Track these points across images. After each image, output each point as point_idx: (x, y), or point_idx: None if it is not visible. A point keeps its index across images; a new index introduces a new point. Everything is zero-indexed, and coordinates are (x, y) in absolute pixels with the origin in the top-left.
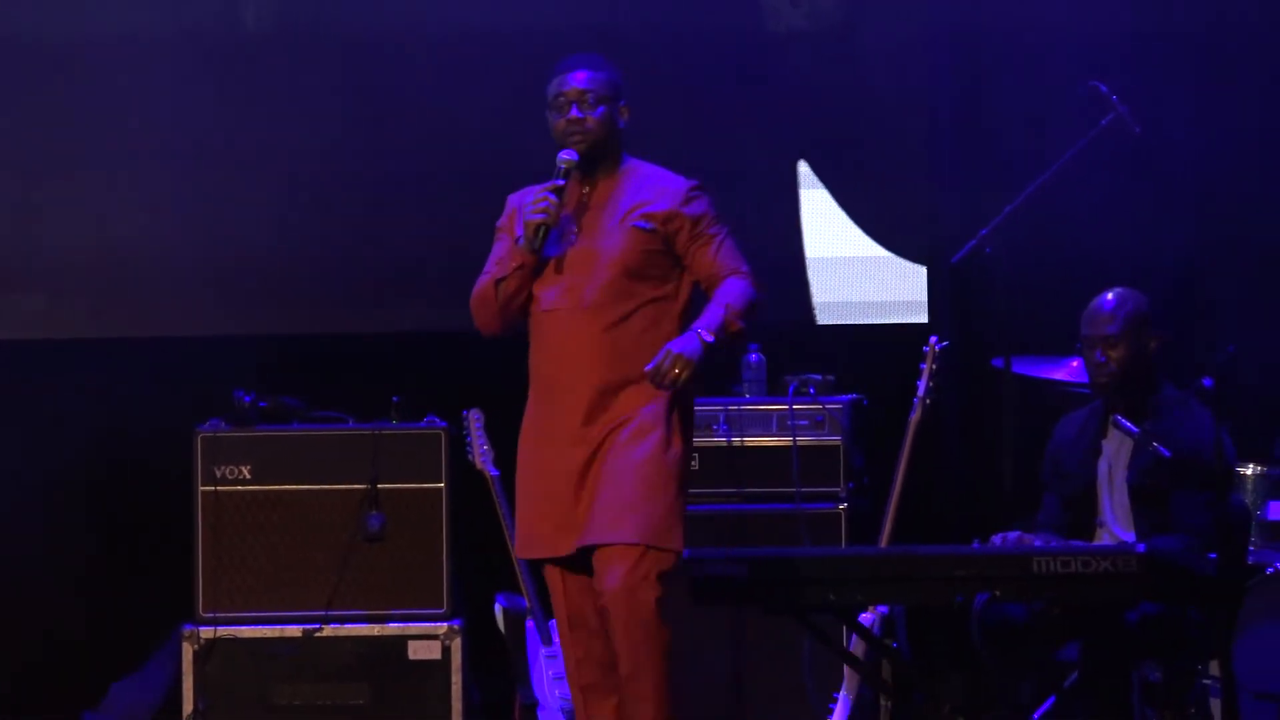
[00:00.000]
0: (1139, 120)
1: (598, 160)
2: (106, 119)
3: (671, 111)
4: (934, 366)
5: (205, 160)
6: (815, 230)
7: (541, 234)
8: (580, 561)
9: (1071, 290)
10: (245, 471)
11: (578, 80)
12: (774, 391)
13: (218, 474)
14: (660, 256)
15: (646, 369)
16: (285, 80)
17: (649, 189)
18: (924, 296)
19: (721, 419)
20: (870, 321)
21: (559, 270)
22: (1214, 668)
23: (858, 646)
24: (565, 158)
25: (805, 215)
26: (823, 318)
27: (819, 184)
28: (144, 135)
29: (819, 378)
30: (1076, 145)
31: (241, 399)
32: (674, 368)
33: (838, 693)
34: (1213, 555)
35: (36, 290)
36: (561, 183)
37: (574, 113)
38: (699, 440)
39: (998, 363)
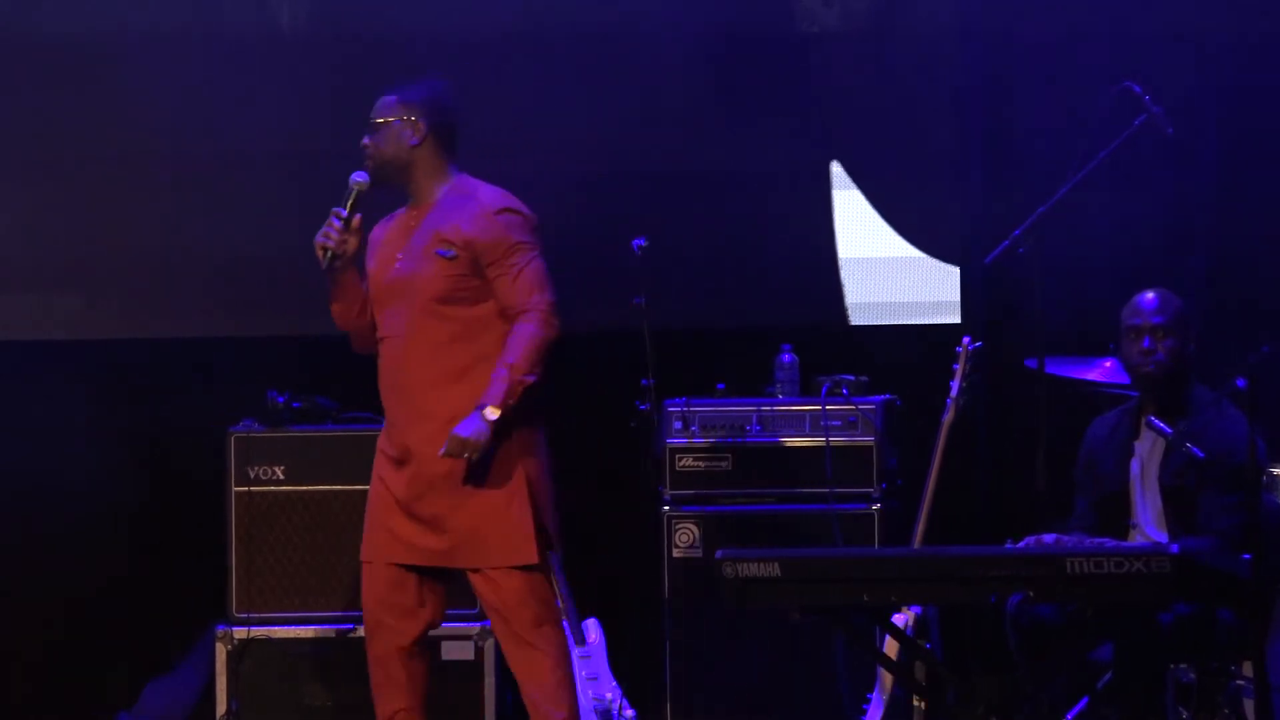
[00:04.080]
0: (1171, 121)
1: (402, 182)
2: (141, 120)
3: (703, 113)
4: (967, 367)
5: (239, 160)
6: (848, 231)
7: (328, 258)
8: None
9: (1105, 291)
10: (278, 472)
11: (374, 107)
12: (807, 392)
13: (251, 474)
14: (467, 279)
15: (440, 453)
16: (319, 80)
17: (459, 212)
18: (957, 297)
19: (754, 419)
20: (903, 322)
21: (387, 297)
22: (1247, 668)
23: (891, 647)
24: (354, 180)
25: (838, 216)
26: (855, 318)
27: (852, 184)
28: (180, 136)
29: (852, 378)
30: (1109, 146)
31: (275, 399)
32: (461, 451)
33: (871, 693)
34: (1246, 556)
35: (73, 291)
36: (343, 210)
37: (365, 139)
38: (733, 440)
39: (1031, 363)
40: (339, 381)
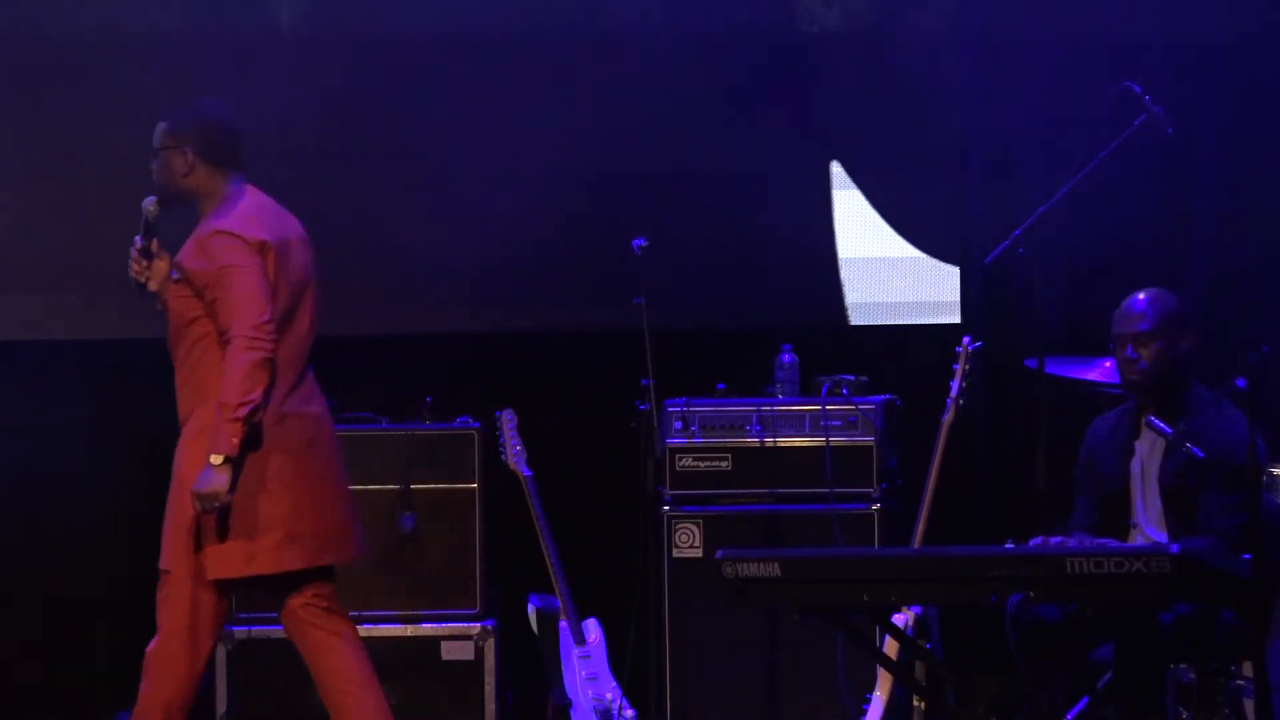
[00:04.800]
0: (1171, 121)
1: (186, 204)
2: (141, 120)
3: (703, 113)
4: (967, 367)
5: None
6: (848, 231)
7: (136, 288)
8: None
9: (1105, 291)
10: None
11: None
12: (807, 392)
13: None
14: (192, 300)
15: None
16: (319, 80)
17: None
18: (957, 297)
19: (754, 419)
20: (903, 322)
21: None
22: (1247, 668)
23: (891, 647)
24: (144, 205)
25: (838, 216)
26: (855, 318)
27: (852, 184)
28: None
29: (852, 378)
30: (1109, 146)
31: None
32: (204, 505)
33: (871, 693)
34: (1246, 556)
35: (73, 291)
36: (139, 240)
37: (152, 163)
38: (733, 440)
39: (1031, 363)
40: (339, 381)
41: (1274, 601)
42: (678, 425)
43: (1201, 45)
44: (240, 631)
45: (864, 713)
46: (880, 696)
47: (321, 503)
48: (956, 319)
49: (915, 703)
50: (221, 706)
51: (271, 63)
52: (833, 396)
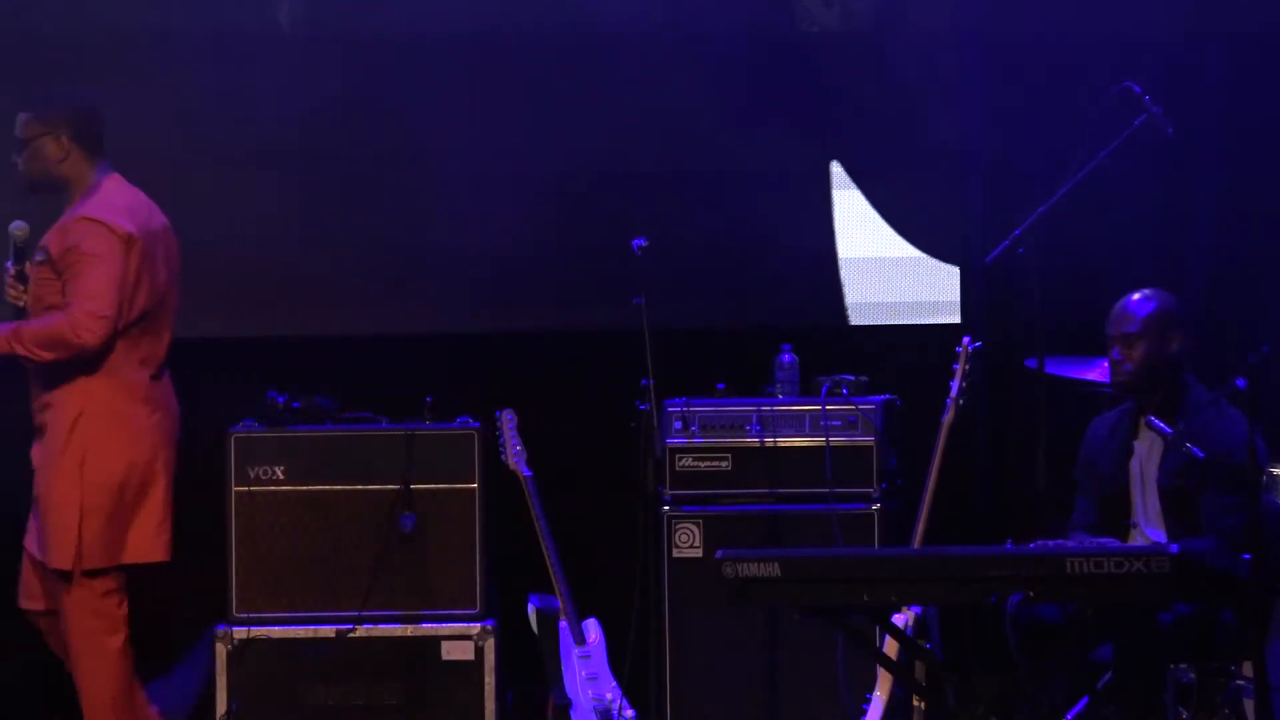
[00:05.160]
0: (1171, 121)
1: (51, 192)
2: (140, 120)
3: (702, 113)
4: (967, 367)
5: (238, 160)
6: (848, 231)
7: (16, 314)
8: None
9: (1105, 291)
10: (278, 472)
11: (16, 123)
12: (807, 392)
13: (251, 474)
14: (53, 283)
15: None
16: (319, 80)
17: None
18: (957, 297)
19: (754, 419)
20: (903, 322)
21: None
22: (1247, 668)
23: (891, 647)
24: (13, 230)
25: (838, 216)
26: (855, 318)
27: (852, 185)
28: (180, 136)
29: (852, 378)
30: (1109, 146)
31: (275, 399)
32: None
33: (871, 693)
34: (1246, 556)
35: None
36: (11, 264)
37: (14, 157)
38: (733, 440)
39: (1031, 363)
40: (339, 381)
41: (1274, 601)
42: (678, 425)
43: (1200, 44)
44: (240, 631)
45: (864, 713)
46: (880, 696)
47: (169, 498)
48: (956, 319)
49: (915, 703)
50: (221, 707)
51: (271, 63)
52: (833, 396)
